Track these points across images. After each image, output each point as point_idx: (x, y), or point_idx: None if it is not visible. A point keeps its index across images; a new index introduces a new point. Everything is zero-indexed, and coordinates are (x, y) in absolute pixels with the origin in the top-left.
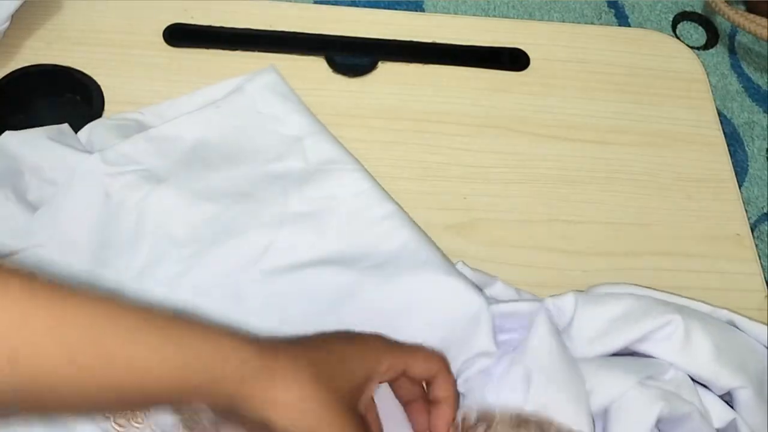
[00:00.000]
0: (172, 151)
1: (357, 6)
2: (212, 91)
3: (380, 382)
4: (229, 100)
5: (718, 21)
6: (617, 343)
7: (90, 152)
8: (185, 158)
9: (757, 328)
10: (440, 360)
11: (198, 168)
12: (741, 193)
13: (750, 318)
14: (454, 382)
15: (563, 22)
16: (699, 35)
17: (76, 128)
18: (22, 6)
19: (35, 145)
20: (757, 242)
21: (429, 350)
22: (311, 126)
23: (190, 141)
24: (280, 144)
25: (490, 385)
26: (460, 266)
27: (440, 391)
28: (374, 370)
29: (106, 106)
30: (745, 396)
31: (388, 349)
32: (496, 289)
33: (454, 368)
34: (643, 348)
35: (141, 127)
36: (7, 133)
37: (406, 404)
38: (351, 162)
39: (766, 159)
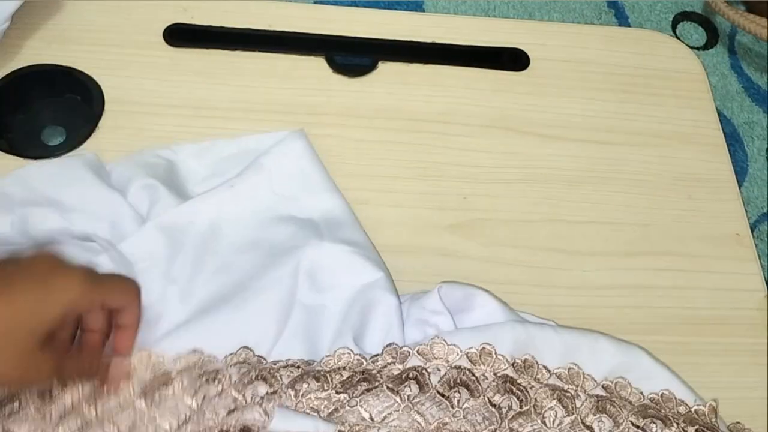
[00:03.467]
0: (183, 243)
1: (357, 6)
2: (252, 142)
3: (75, 316)
4: (244, 179)
5: (718, 21)
6: None
7: (115, 189)
8: (196, 254)
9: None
10: (135, 291)
11: (207, 269)
12: (741, 193)
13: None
14: (140, 311)
15: (563, 22)
16: (699, 35)
17: (77, 128)
18: (22, 6)
19: (60, 180)
20: (757, 242)
21: (125, 280)
22: (329, 211)
23: (202, 229)
24: (294, 232)
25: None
26: (445, 286)
27: (128, 318)
28: (72, 305)
29: (106, 106)
30: None
31: (87, 283)
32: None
33: None
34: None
35: (171, 170)
36: (33, 165)
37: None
38: (368, 248)
39: (766, 159)
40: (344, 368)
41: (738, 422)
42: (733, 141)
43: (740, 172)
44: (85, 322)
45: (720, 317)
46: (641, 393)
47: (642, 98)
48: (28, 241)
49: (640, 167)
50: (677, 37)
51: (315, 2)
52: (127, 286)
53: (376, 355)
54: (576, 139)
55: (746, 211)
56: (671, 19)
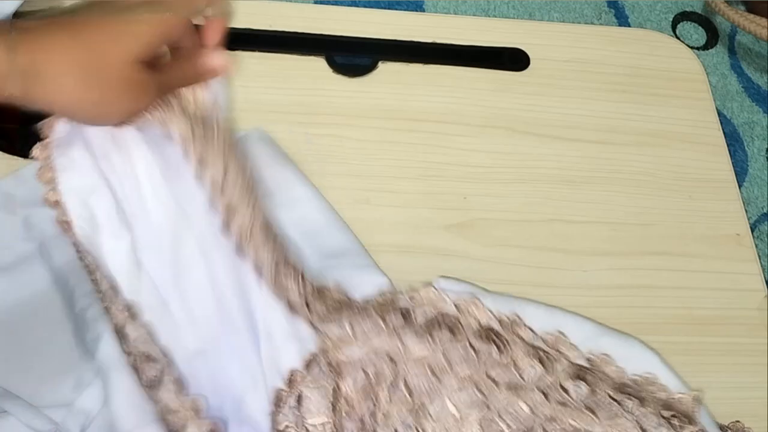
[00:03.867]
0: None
1: (357, 6)
2: None
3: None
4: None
5: (718, 21)
6: None
7: None
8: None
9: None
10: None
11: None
12: (741, 193)
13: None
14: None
15: (563, 22)
16: (699, 35)
17: None
18: (22, 6)
19: None
20: (757, 242)
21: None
22: (303, 219)
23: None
24: None
25: None
26: (442, 281)
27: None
28: (161, 26)
29: None
30: None
31: (150, 20)
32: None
33: None
34: None
35: None
36: (34, 164)
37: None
38: (352, 252)
39: (766, 159)
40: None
41: (737, 421)
42: (733, 141)
43: (740, 172)
44: (174, 43)
45: (720, 317)
46: (624, 372)
47: (642, 98)
48: (33, 241)
49: (640, 167)
50: (677, 37)
51: (315, 2)
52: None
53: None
54: (576, 139)
55: (746, 211)
56: (671, 19)
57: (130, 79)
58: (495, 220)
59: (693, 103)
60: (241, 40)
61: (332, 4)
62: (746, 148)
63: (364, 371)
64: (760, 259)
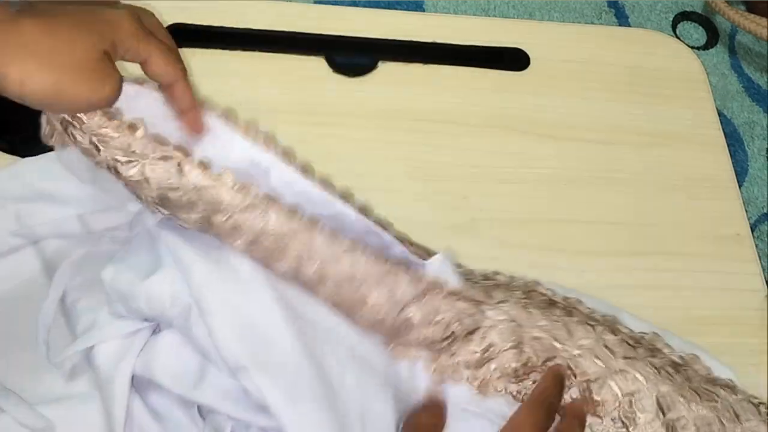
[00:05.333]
0: None
1: (357, 6)
2: None
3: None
4: None
5: (718, 21)
6: None
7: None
8: None
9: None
10: (181, 68)
11: None
12: (741, 193)
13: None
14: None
15: (563, 22)
16: (699, 35)
17: None
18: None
19: (54, 174)
20: (757, 242)
21: (173, 53)
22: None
23: None
24: None
25: None
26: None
27: (181, 99)
28: (116, 40)
29: None
30: None
31: (133, 30)
32: None
33: None
34: None
35: None
36: (27, 160)
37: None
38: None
39: (766, 159)
40: None
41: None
42: (733, 141)
43: (740, 172)
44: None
45: (720, 317)
46: (710, 370)
47: (642, 98)
48: (24, 236)
49: (640, 167)
50: (677, 37)
51: (315, 2)
52: (174, 60)
53: None
54: (576, 139)
55: (746, 211)
56: (671, 19)
57: (92, 67)
58: (495, 220)
59: (693, 103)
60: (242, 40)
61: (332, 4)
62: (746, 148)
63: None
64: (760, 259)
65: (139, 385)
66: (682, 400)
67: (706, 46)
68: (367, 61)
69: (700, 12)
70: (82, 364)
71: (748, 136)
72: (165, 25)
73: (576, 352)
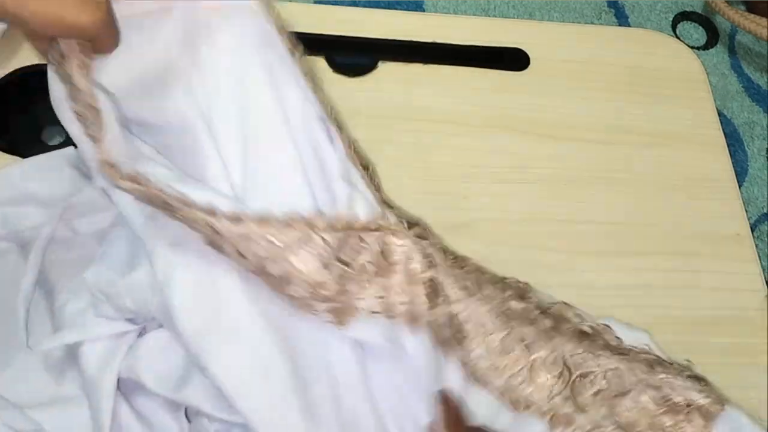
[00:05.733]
0: None
1: (357, 6)
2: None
3: None
4: None
5: (718, 21)
6: None
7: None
8: None
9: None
10: None
11: None
12: (741, 193)
13: None
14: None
15: (563, 22)
16: (699, 35)
17: None
18: None
19: (41, 176)
20: (757, 242)
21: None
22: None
23: None
24: None
25: None
26: None
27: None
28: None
29: None
30: None
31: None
32: None
33: None
34: None
35: None
36: (14, 165)
37: None
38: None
39: (766, 159)
40: None
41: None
42: (733, 141)
43: (740, 172)
44: None
45: (720, 317)
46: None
47: (642, 98)
48: (11, 240)
49: (640, 167)
50: (677, 37)
51: (315, 2)
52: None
53: None
54: (576, 139)
55: (746, 211)
56: (671, 19)
57: None
58: (495, 220)
59: (693, 103)
60: None
61: (332, 4)
62: (746, 148)
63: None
64: (760, 259)
65: (125, 387)
66: (590, 356)
67: (706, 46)
68: (367, 61)
69: (700, 12)
70: (70, 366)
71: (748, 136)
72: None
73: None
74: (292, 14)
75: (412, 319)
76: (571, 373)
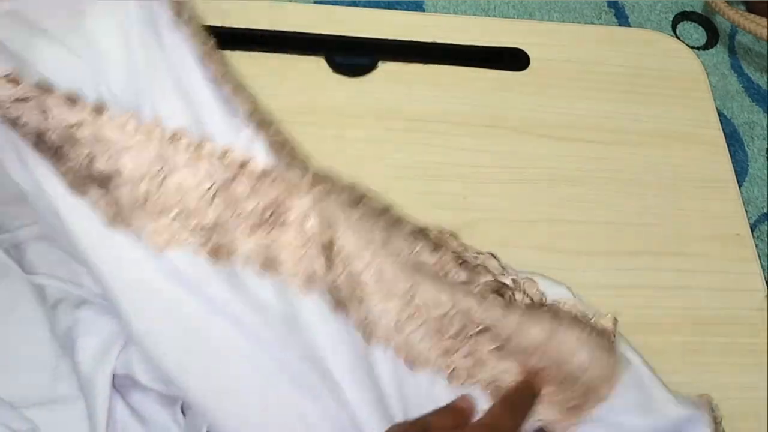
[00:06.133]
0: None
1: (357, 6)
2: None
3: None
4: None
5: (718, 21)
6: None
7: None
8: None
9: None
10: None
11: None
12: (741, 193)
13: None
14: None
15: (563, 22)
16: (699, 35)
17: None
18: None
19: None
20: (757, 242)
21: None
22: None
23: None
24: None
25: None
26: None
27: None
28: None
29: None
30: None
31: None
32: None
33: None
34: None
35: None
36: None
37: None
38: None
39: (766, 159)
40: None
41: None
42: (733, 141)
43: (740, 172)
44: None
45: (720, 317)
46: (544, 295)
47: (642, 98)
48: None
49: (640, 167)
50: (677, 37)
51: (315, 2)
52: None
53: None
54: (576, 139)
55: (746, 211)
56: (671, 19)
57: None
58: (495, 220)
59: (693, 103)
60: (241, 40)
61: (332, 4)
62: (746, 148)
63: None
64: (760, 259)
65: (120, 384)
66: (499, 311)
67: (706, 46)
68: (367, 61)
69: (700, 12)
70: (65, 365)
71: (748, 136)
72: None
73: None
74: (292, 14)
75: (307, 281)
76: (470, 329)
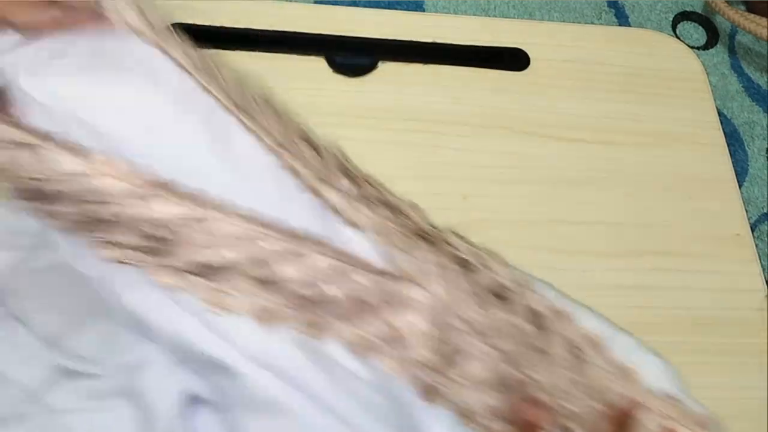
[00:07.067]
0: None
1: (357, 6)
2: None
3: None
4: None
5: (719, 21)
6: None
7: None
8: None
9: None
10: None
11: None
12: (741, 193)
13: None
14: None
15: (563, 22)
16: (699, 35)
17: None
18: None
19: None
20: (757, 242)
21: None
22: None
23: None
24: None
25: None
26: None
27: None
28: None
29: None
30: None
31: None
32: None
33: None
34: None
35: None
36: None
37: None
38: None
39: (766, 159)
40: None
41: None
42: (733, 141)
43: (740, 172)
44: None
45: (720, 317)
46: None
47: (642, 98)
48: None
49: (640, 167)
50: (677, 37)
51: (315, 2)
52: None
53: None
54: (576, 139)
55: (746, 211)
56: (671, 19)
57: None
58: (495, 220)
59: (693, 103)
60: (241, 40)
61: (332, 4)
62: (746, 147)
63: None
64: (760, 259)
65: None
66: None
67: (706, 46)
68: (367, 61)
69: (700, 12)
70: (114, 375)
71: (748, 136)
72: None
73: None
74: (292, 14)
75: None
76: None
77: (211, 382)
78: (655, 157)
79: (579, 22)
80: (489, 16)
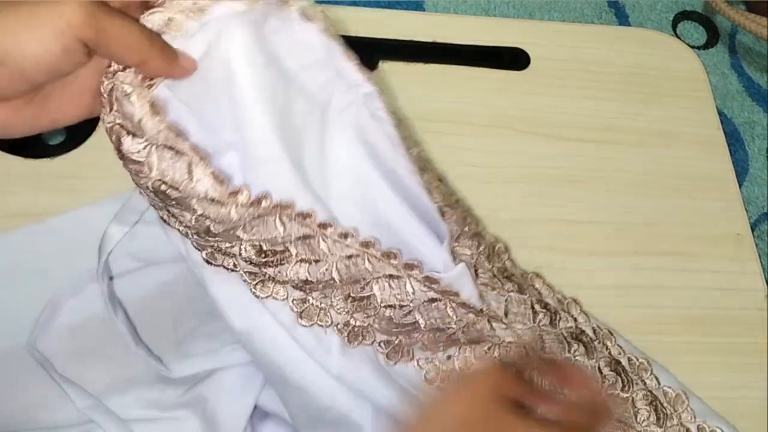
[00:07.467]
0: None
1: (357, 6)
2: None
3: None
4: None
5: (719, 20)
6: None
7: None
8: None
9: None
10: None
11: None
12: (741, 192)
13: None
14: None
15: (563, 21)
16: (699, 35)
17: (77, 127)
18: None
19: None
20: (757, 242)
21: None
22: None
23: None
24: None
25: None
26: None
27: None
28: (72, 29)
29: None
30: None
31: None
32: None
33: None
34: None
35: None
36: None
37: None
38: None
39: (766, 159)
40: None
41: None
42: (734, 141)
43: (740, 172)
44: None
45: (720, 317)
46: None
47: (642, 98)
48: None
49: (640, 167)
50: (678, 37)
51: (315, 2)
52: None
53: None
54: (576, 139)
55: (746, 211)
56: (672, 19)
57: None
58: (495, 220)
59: (693, 103)
60: None
61: (332, 4)
62: (746, 147)
63: None
64: (760, 258)
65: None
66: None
67: (706, 46)
68: (367, 61)
69: (700, 11)
70: (180, 384)
71: (748, 135)
72: None
73: None
74: None
75: None
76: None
77: (281, 395)
78: (655, 156)
79: (579, 22)
80: (489, 16)
